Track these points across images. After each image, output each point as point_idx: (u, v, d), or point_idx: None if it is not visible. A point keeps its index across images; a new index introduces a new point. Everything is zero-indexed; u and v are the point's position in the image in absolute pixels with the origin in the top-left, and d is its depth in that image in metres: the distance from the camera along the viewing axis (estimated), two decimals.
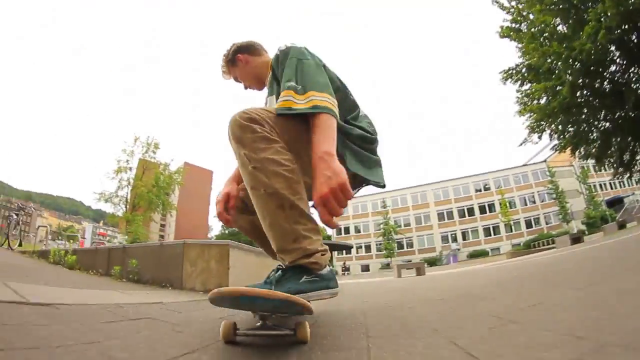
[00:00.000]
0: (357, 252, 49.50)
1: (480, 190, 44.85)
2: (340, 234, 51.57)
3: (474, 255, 39.57)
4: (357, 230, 50.91)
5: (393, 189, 51.33)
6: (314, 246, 1.09)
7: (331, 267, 1.17)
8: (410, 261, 44.70)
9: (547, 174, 39.77)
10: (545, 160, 39.63)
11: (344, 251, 48.94)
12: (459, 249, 41.81)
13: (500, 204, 41.16)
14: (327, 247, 1.15)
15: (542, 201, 40.90)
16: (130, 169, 28.26)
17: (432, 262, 39.48)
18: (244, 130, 1.09)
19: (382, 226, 46.20)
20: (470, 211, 44.36)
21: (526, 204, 41.69)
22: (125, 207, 27.82)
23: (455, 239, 43.41)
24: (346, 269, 43.08)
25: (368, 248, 49.13)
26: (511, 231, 38.99)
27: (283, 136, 1.13)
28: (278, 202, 1.06)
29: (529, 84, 10.83)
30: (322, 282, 1.10)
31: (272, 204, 1.06)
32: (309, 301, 0.99)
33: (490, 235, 42.18)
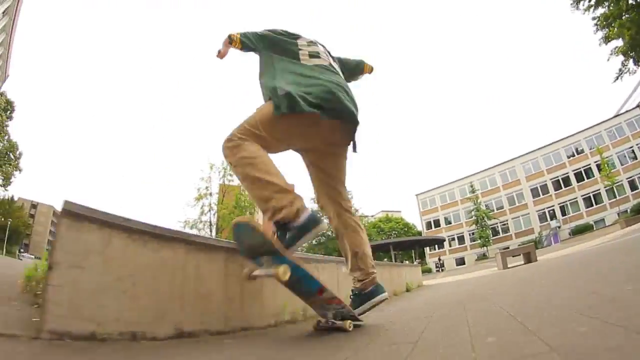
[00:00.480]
0: (450, 245, 48.12)
1: (572, 155, 37.98)
2: (430, 227, 51.07)
3: (577, 232, 34.20)
4: (448, 222, 49.43)
5: (479, 170, 48.05)
6: (280, 203, 1.54)
7: (311, 210, 1.62)
8: (508, 248, 41.24)
9: None
10: None
11: (436, 245, 48.58)
12: (559, 227, 36.69)
13: (598, 167, 34.33)
14: (294, 198, 1.58)
15: None
16: (211, 194, 29.41)
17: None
18: (225, 150, 1.66)
19: (473, 213, 43.84)
20: (566, 181, 38.07)
21: (627, 161, 33.38)
22: (210, 230, 29.03)
23: (553, 216, 38.10)
24: (440, 265, 42.69)
25: (461, 239, 47.26)
26: (614, 197, 32.05)
27: (259, 129, 1.67)
28: (250, 181, 1.59)
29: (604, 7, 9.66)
30: (299, 229, 1.55)
31: (248, 184, 1.60)
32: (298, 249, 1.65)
33: (591, 205, 35.36)
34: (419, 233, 51.85)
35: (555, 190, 38.66)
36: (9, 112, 35.38)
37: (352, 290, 1.97)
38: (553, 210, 38.41)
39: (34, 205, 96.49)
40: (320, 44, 2.12)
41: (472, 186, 45.13)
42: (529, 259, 7.20)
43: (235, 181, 31.96)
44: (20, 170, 36.96)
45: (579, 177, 36.70)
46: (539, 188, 40.48)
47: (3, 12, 25.64)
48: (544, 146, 40.98)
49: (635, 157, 32.98)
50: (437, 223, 50.75)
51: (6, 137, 35.33)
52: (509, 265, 7.37)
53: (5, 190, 36.91)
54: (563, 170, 38.27)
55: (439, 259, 44.53)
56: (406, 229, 56.18)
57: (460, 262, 45.41)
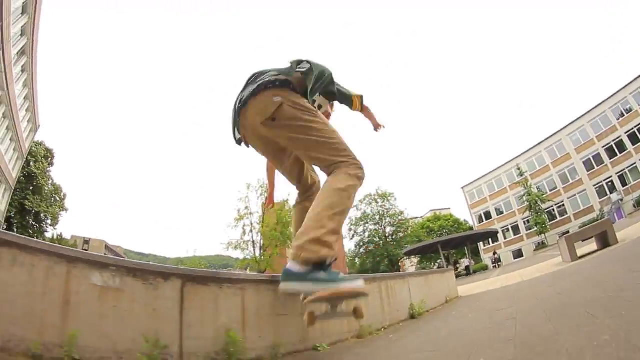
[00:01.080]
0: (505, 237, 44.10)
1: (622, 115, 32.75)
2: (482, 220, 47.51)
3: None
4: (499, 212, 45.49)
5: (524, 150, 43.80)
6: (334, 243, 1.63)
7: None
8: (568, 232, 36.58)
9: None
10: None
11: (490, 239, 45.00)
12: (621, 200, 31.73)
13: None
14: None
15: None
16: (251, 213, 29.70)
17: None
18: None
19: (524, 198, 39.81)
20: (620, 146, 32.81)
21: None
22: (253, 249, 29.35)
23: (613, 188, 33.05)
24: (497, 260, 39.20)
25: (516, 229, 43.08)
26: None
27: None
28: (341, 213, 1.70)
29: None
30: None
31: (338, 214, 1.68)
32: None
33: None
34: (471, 228, 48.43)
35: (610, 158, 33.65)
36: (49, 159, 38.31)
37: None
38: (611, 181, 33.39)
39: (87, 241, 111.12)
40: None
41: (519, 169, 41.23)
42: (605, 241, 5.36)
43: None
44: (66, 210, 39.86)
45: (633, 138, 31.52)
46: (591, 159, 35.57)
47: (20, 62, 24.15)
48: (589, 111, 36.10)
49: None
50: (488, 215, 47.14)
51: (50, 182, 38.02)
52: (578, 255, 5.52)
53: (54, 229, 38.68)
54: (615, 135, 33.23)
55: (495, 254, 41.00)
56: (457, 226, 52.79)
57: (518, 254, 41.49)
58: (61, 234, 44.44)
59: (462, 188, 51.71)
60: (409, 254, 40.93)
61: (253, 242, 29.62)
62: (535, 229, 38.27)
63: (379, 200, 52.49)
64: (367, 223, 51.63)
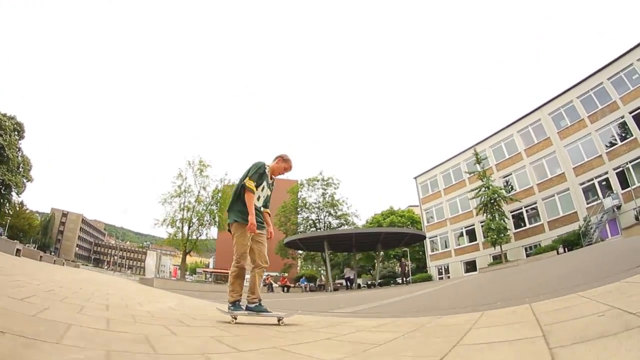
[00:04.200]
0: (458, 243, 34.40)
1: (628, 90, 22.85)
2: (432, 220, 37.67)
3: None
4: (454, 210, 35.59)
5: (492, 132, 33.62)
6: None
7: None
8: (539, 244, 27.26)
9: None
10: None
11: (441, 244, 35.35)
12: (618, 207, 22.17)
13: None
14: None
15: None
16: (185, 192, 30.25)
17: (573, 242, 22.52)
18: None
19: (480, 192, 29.58)
20: (622, 130, 23.12)
21: None
22: (189, 227, 29.82)
23: (608, 189, 23.42)
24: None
25: (472, 234, 33.32)
26: None
27: None
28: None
29: None
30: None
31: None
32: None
33: None
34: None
35: (609, 147, 23.86)
36: (20, 132, 42.26)
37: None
38: (607, 179, 23.71)
39: (65, 214, 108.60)
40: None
41: (476, 154, 31.17)
42: None
43: (212, 175, 35.29)
44: (31, 180, 44.50)
45: None
46: (579, 147, 25.74)
47: None
48: (581, 81, 26.00)
49: None
50: (440, 212, 37.22)
51: (20, 153, 42.39)
52: None
53: (19, 196, 45.20)
54: (616, 114, 23.36)
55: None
56: (410, 223, 43.62)
57: (471, 267, 31.94)
58: (22, 201, 56.99)
59: (415, 178, 41.61)
60: (290, 245, 32.85)
61: (182, 218, 29.76)
62: (488, 237, 28.66)
63: (320, 187, 42.30)
64: (309, 212, 42.99)
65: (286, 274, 37.84)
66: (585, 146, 25.22)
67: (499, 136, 32.75)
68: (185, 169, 30.49)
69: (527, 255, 26.60)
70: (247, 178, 3.39)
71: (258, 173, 3.45)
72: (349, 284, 26.62)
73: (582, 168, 25.17)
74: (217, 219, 30.85)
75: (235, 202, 3.47)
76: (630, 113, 22.45)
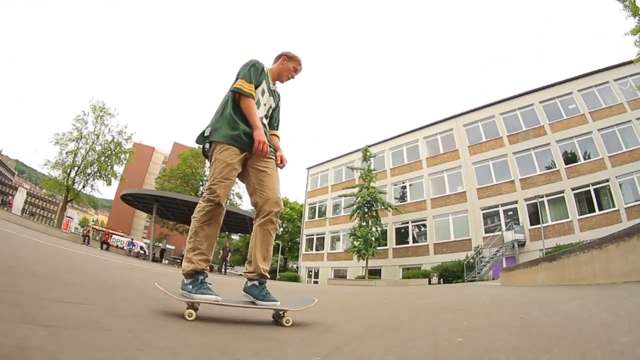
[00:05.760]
0: (333, 247, 28.90)
1: (560, 118, 20.79)
2: (314, 216, 31.74)
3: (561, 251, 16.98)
4: (337, 210, 30.06)
5: (397, 133, 29.04)
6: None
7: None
8: (420, 267, 23.13)
9: None
10: None
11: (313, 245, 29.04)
12: (519, 242, 19.10)
13: None
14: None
15: None
16: (83, 137, 28.04)
17: (454, 273, 18.19)
18: None
19: (356, 192, 25.09)
20: (547, 157, 20.74)
21: None
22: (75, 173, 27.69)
23: (514, 219, 20.47)
24: (314, 274, 22.11)
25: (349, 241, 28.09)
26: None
27: None
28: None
29: None
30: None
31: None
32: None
33: (597, 208, 18.26)
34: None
35: (524, 174, 20.97)
36: None
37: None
38: (514, 209, 20.70)
39: None
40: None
41: (365, 151, 26.29)
42: None
43: (113, 125, 29.72)
44: None
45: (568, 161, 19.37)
46: (491, 167, 22.57)
47: None
48: (514, 97, 23.10)
49: None
50: (322, 210, 31.31)
51: None
52: None
53: None
54: (541, 139, 20.70)
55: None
56: (297, 217, 39.08)
57: (342, 276, 26.45)
58: None
59: (308, 169, 35.11)
60: (124, 199, 25.90)
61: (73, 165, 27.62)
62: (353, 244, 23.59)
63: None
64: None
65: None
66: (497, 167, 22.07)
67: (404, 139, 28.34)
68: (88, 112, 28.52)
69: (403, 277, 22.12)
70: (238, 80, 2.02)
71: (253, 69, 2.06)
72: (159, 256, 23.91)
73: (488, 191, 21.90)
74: (107, 173, 28.66)
75: (221, 118, 2.01)
76: (557, 142, 19.84)
